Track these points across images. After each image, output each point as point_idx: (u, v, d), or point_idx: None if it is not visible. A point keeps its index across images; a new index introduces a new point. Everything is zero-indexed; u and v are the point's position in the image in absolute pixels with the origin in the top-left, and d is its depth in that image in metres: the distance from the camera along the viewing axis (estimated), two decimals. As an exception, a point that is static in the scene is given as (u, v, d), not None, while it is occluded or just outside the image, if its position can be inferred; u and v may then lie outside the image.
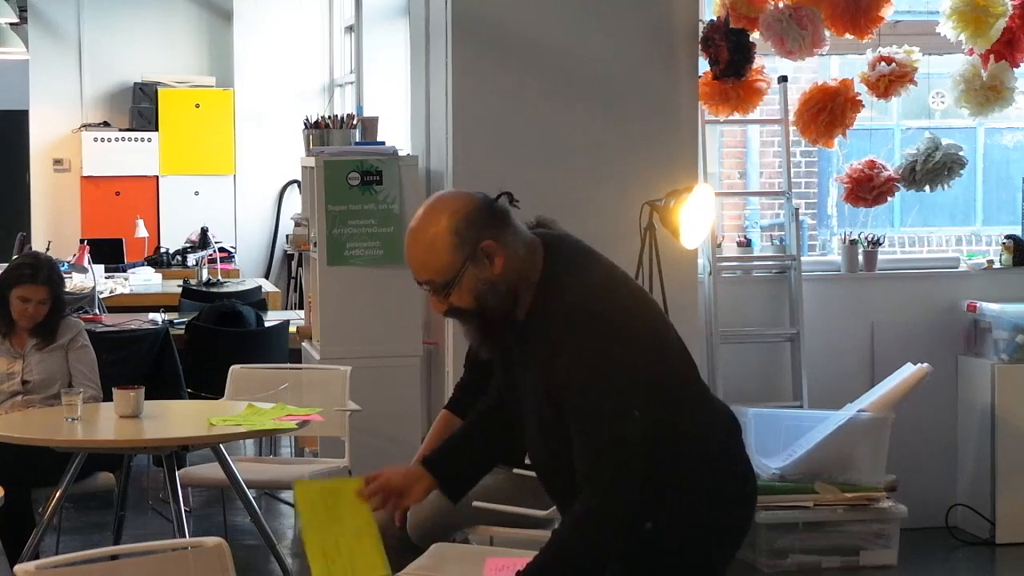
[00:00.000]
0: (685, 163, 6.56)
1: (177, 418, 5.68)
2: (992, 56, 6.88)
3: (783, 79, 7.10)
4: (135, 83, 11.40)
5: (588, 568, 3.08)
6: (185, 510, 5.51)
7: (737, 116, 6.93)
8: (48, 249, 8.77)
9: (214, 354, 7.16)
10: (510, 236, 3.15)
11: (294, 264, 10.91)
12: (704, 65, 6.69)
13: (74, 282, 8.60)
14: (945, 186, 7.08)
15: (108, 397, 5.61)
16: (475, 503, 4.70)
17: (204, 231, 10.31)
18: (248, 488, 5.71)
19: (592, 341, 3.02)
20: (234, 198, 11.45)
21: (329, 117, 7.05)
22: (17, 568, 3.12)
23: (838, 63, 10.55)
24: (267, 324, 7.70)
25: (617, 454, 3.02)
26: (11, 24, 10.67)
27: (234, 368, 6.23)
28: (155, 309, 8.09)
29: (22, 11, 11.42)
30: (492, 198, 3.19)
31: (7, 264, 6.37)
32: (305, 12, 11.19)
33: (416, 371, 6.68)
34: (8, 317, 5.89)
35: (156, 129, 11.28)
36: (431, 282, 3.12)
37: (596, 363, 3.02)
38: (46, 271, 5.93)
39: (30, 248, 8.95)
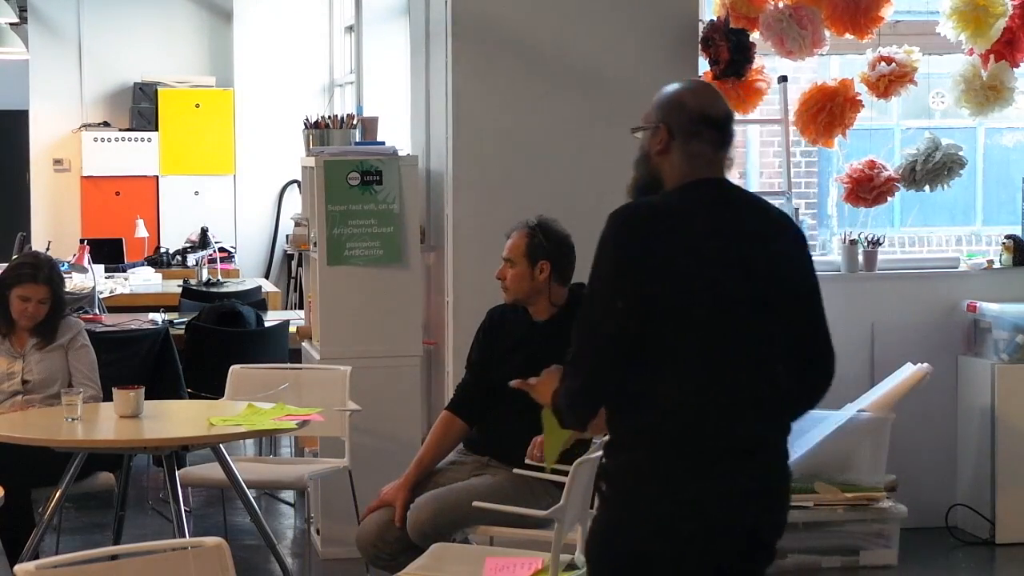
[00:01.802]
0: (685, 163, 6.55)
1: (177, 418, 5.68)
2: (992, 56, 6.88)
3: (783, 79, 7.10)
4: (135, 83, 11.40)
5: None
6: (185, 510, 5.51)
7: (737, 116, 6.92)
8: (48, 249, 8.76)
9: (214, 354, 7.16)
10: (681, 149, 3.39)
11: (294, 264, 10.91)
12: (704, 65, 6.69)
13: (74, 282, 8.60)
14: (945, 186, 7.08)
15: (108, 397, 5.61)
16: (475, 503, 4.70)
17: (204, 231, 10.31)
18: (248, 488, 5.71)
19: (601, 246, 3.34)
20: (234, 198, 11.45)
21: (329, 117, 7.05)
22: (17, 568, 3.12)
23: (838, 63, 10.56)
24: (267, 324, 7.70)
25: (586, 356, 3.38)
26: (11, 24, 10.67)
27: (234, 368, 6.23)
28: (155, 309, 8.09)
29: (22, 11, 11.42)
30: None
31: (7, 264, 6.36)
32: (305, 12, 11.20)
33: (416, 371, 6.68)
34: (8, 317, 5.88)
35: (156, 129, 11.28)
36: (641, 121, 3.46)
37: (600, 267, 3.33)
38: (46, 270, 5.93)
39: (30, 248, 8.95)
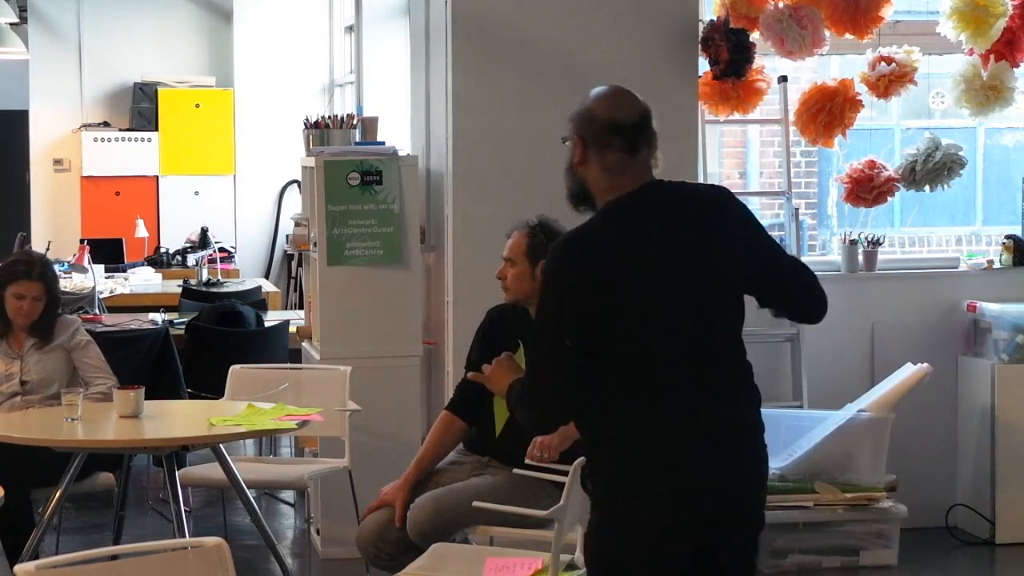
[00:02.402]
0: (685, 163, 6.55)
1: (177, 418, 5.68)
2: (992, 56, 6.88)
3: (783, 79, 7.10)
4: (135, 83, 11.40)
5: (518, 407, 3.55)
6: (185, 510, 5.51)
7: (737, 116, 6.93)
8: (48, 249, 8.77)
9: (214, 354, 7.16)
10: (598, 159, 3.62)
11: (294, 264, 10.91)
12: (704, 65, 6.69)
13: (74, 282, 8.61)
14: (945, 186, 7.08)
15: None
16: (475, 503, 4.70)
17: (204, 231, 10.31)
18: (248, 488, 5.71)
19: (548, 273, 3.53)
20: (234, 198, 11.45)
21: (329, 117, 7.05)
22: (17, 568, 3.12)
23: (838, 63, 10.55)
24: (267, 324, 7.70)
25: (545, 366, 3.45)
26: (11, 24, 10.67)
27: (234, 368, 6.23)
28: (155, 309, 8.09)
29: (22, 11, 11.42)
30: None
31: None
32: (305, 12, 11.19)
33: (416, 371, 6.68)
34: (4, 317, 5.88)
35: (156, 129, 11.28)
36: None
37: (548, 289, 3.50)
38: (40, 267, 5.93)
39: (30, 248, 8.95)
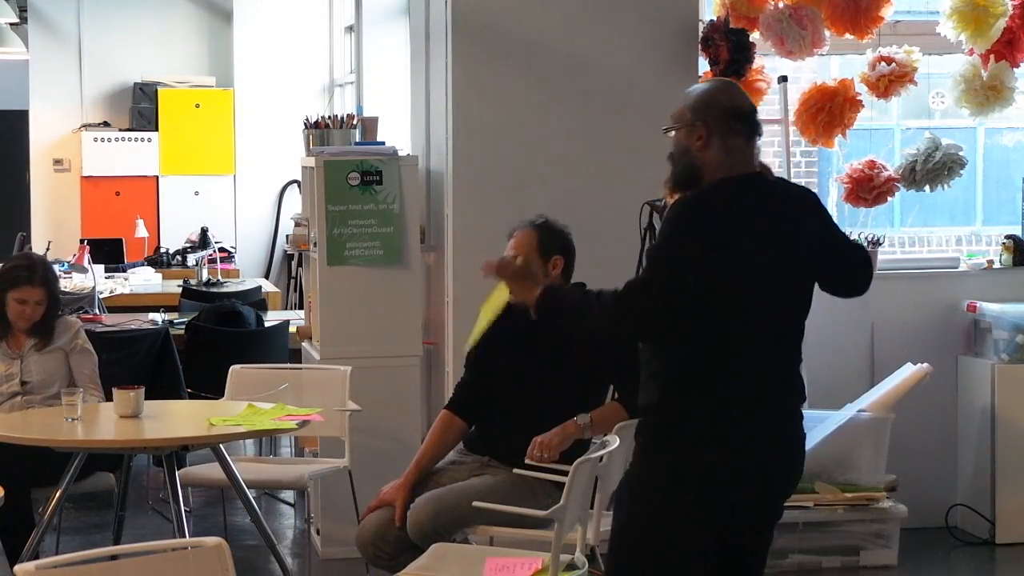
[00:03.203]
0: (685, 163, 6.55)
1: (177, 418, 5.68)
2: (992, 56, 6.88)
3: (783, 79, 7.10)
4: (135, 83, 11.40)
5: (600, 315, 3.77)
6: (185, 510, 5.51)
7: (737, 116, 6.92)
8: (48, 249, 8.77)
9: (214, 354, 7.16)
10: (720, 142, 3.83)
11: (294, 264, 10.90)
12: (704, 65, 6.69)
13: (74, 282, 8.61)
14: (945, 186, 7.08)
15: (108, 397, 5.61)
16: (475, 503, 4.70)
17: (204, 231, 10.31)
18: (248, 488, 5.71)
19: (671, 222, 3.78)
20: (234, 198, 11.45)
21: (329, 117, 7.05)
22: (17, 568, 3.12)
23: (838, 63, 10.56)
24: (267, 324, 7.70)
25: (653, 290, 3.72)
26: (11, 24, 10.66)
27: (234, 368, 6.23)
28: (155, 309, 8.09)
29: (22, 11, 11.41)
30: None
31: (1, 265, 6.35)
32: (305, 12, 11.19)
33: (416, 371, 6.68)
34: (5, 320, 5.88)
35: (156, 129, 11.28)
36: (670, 119, 3.94)
37: (670, 235, 3.78)
38: (41, 272, 5.92)
39: (30, 248, 8.95)
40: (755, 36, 6.71)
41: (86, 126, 11.36)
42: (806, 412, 6.86)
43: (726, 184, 3.81)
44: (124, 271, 9.65)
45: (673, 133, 3.92)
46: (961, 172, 7.07)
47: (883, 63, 6.82)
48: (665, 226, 3.81)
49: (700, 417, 3.77)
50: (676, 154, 3.93)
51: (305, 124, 6.99)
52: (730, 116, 3.84)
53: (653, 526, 3.81)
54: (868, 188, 6.97)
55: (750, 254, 3.75)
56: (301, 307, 8.90)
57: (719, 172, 3.82)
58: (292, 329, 7.58)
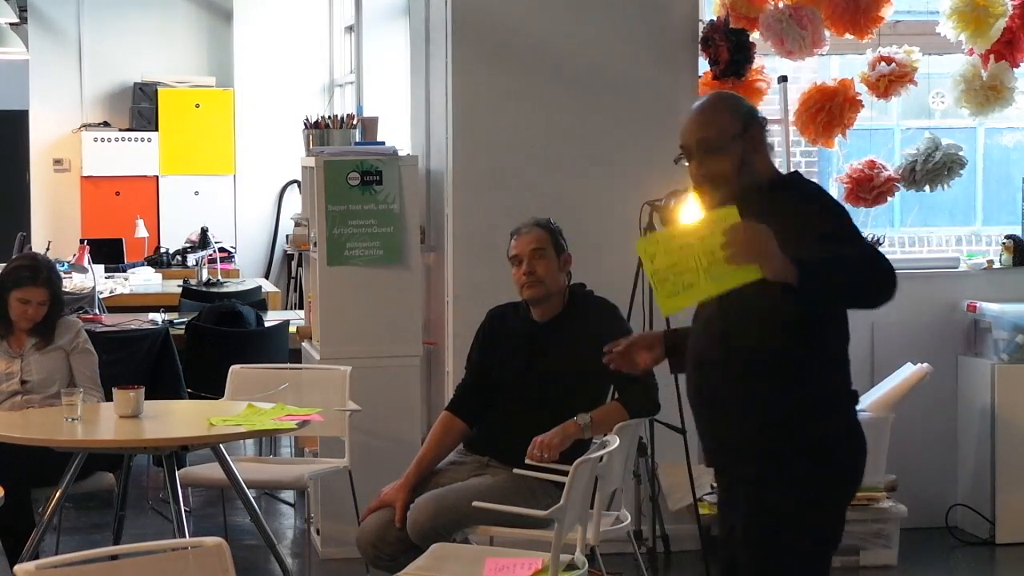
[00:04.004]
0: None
1: (177, 418, 5.68)
2: (992, 56, 6.88)
3: (783, 79, 7.10)
4: (135, 83, 11.40)
5: (853, 282, 3.69)
6: (185, 510, 5.51)
7: (737, 116, 6.92)
8: (48, 249, 8.77)
9: (214, 354, 7.16)
10: (766, 141, 3.81)
11: (294, 264, 10.90)
12: (704, 65, 6.69)
13: (74, 282, 8.60)
14: (945, 186, 7.08)
15: (108, 397, 5.61)
16: (475, 503, 4.70)
17: (204, 231, 10.31)
18: (248, 488, 5.71)
19: (842, 209, 3.79)
20: (234, 198, 11.45)
21: (329, 117, 7.05)
22: (17, 568, 3.12)
23: (838, 63, 10.55)
24: (267, 324, 7.70)
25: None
26: (11, 24, 10.66)
27: (234, 368, 6.23)
28: (155, 309, 8.09)
29: (22, 11, 11.41)
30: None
31: (3, 265, 6.35)
32: (305, 12, 11.19)
33: (416, 371, 6.68)
34: (7, 319, 5.88)
35: (156, 129, 11.28)
36: (704, 140, 3.71)
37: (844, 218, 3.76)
38: (45, 272, 5.92)
39: (30, 248, 8.95)
40: (755, 36, 6.71)
41: (86, 126, 11.36)
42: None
43: (800, 175, 3.90)
44: (124, 271, 9.64)
45: (720, 154, 3.72)
46: (961, 172, 7.07)
47: (883, 63, 6.82)
48: (827, 202, 3.77)
49: (847, 405, 3.84)
50: (732, 171, 3.71)
51: (305, 124, 6.99)
52: (761, 118, 3.83)
53: (816, 526, 3.80)
54: (868, 188, 6.97)
55: None
56: (301, 307, 8.91)
57: (773, 173, 3.80)
58: (292, 329, 7.58)
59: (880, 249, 3.71)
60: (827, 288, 3.59)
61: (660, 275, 3.51)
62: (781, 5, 6.70)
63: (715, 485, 6.42)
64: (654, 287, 3.57)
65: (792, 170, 3.94)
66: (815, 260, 3.48)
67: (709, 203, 3.74)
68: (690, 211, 5.92)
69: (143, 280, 9.34)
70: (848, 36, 6.78)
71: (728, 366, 3.68)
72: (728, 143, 3.70)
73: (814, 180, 3.91)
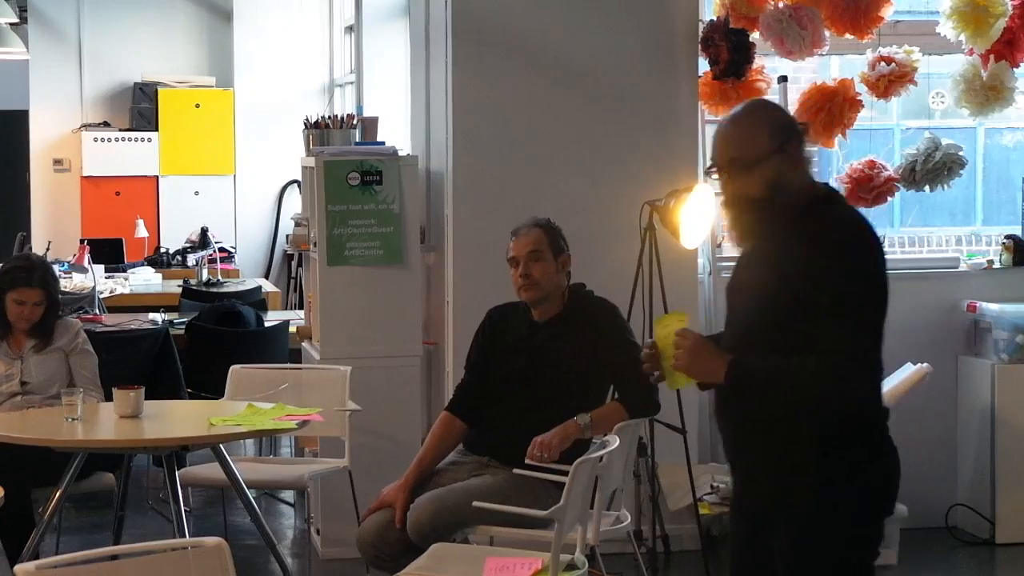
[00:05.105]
0: (685, 163, 6.57)
1: (177, 418, 5.68)
2: (992, 56, 6.88)
3: (783, 79, 7.10)
4: (135, 83, 11.40)
5: (793, 397, 3.41)
6: (185, 510, 5.51)
7: (737, 116, 6.92)
8: (48, 249, 8.77)
9: (214, 354, 7.16)
10: (804, 155, 3.53)
11: (294, 264, 10.90)
12: (704, 65, 6.69)
13: (74, 282, 8.60)
14: (945, 186, 7.08)
15: (108, 397, 5.61)
16: (475, 503, 4.70)
17: (204, 231, 10.31)
18: (248, 488, 5.71)
19: (859, 250, 3.43)
20: (234, 198, 11.45)
21: (329, 117, 7.05)
22: (17, 568, 3.12)
23: (838, 63, 10.55)
24: (267, 324, 7.70)
25: (865, 343, 3.41)
26: (11, 24, 10.66)
27: (234, 368, 6.23)
28: (155, 309, 8.08)
29: (22, 11, 11.41)
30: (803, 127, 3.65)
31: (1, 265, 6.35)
32: (305, 12, 11.19)
33: (416, 371, 6.68)
34: (4, 320, 5.88)
35: (156, 129, 11.28)
36: (737, 159, 3.46)
37: (865, 266, 3.44)
38: (40, 272, 5.92)
39: (30, 248, 8.94)
40: (755, 36, 6.71)
41: (86, 126, 11.36)
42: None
43: (837, 195, 3.59)
44: (124, 271, 9.64)
45: (757, 167, 3.46)
46: (961, 172, 7.07)
47: (883, 63, 6.82)
48: (849, 258, 3.41)
49: (880, 422, 3.68)
50: (768, 188, 3.46)
51: (305, 124, 6.99)
52: (802, 131, 3.57)
53: (856, 551, 3.59)
54: (868, 188, 6.97)
55: None
56: (301, 307, 8.91)
57: (807, 189, 3.52)
58: (292, 329, 7.58)
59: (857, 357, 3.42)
60: (755, 400, 3.46)
61: (666, 352, 3.57)
62: (781, 5, 6.69)
63: (715, 485, 6.44)
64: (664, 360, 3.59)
65: (826, 183, 3.61)
66: (753, 373, 3.40)
67: (738, 224, 3.54)
68: (694, 212, 5.93)
69: (143, 280, 9.34)
70: (848, 36, 6.78)
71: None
72: (762, 161, 3.46)
73: (850, 208, 3.61)
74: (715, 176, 3.56)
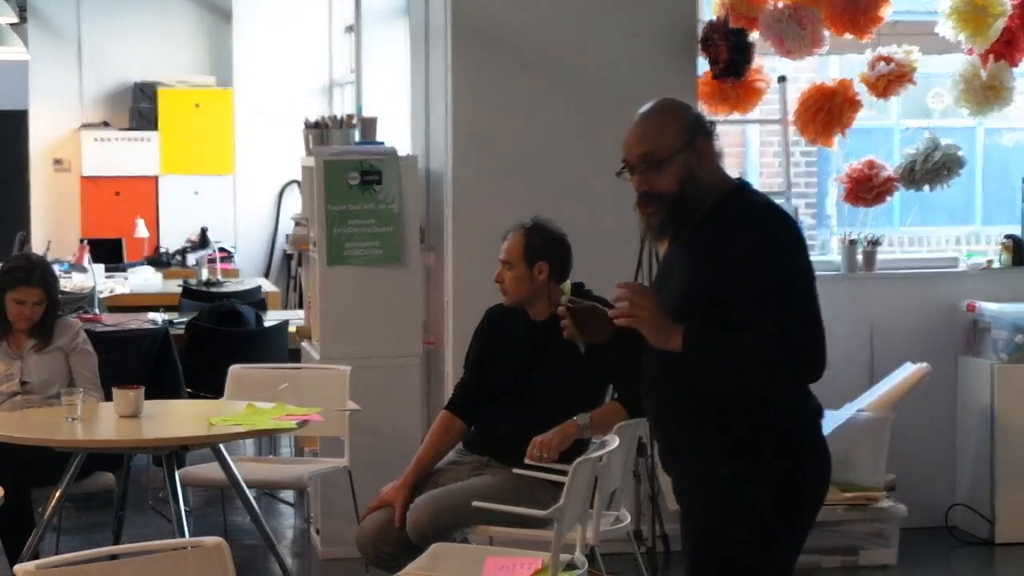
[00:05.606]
0: (685, 163, 6.55)
1: (177, 418, 5.68)
2: (991, 56, 6.88)
3: (782, 79, 7.11)
4: (135, 83, 11.40)
5: (741, 371, 3.40)
6: (185, 510, 5.51)
7: (736, 116, 6.94)
8: (48, 249, 8.77)
9: (214, 354, 7.15)
10: (714, 150, 3.56)
11: (294, 264, 10.91)
12: (704, 65, 6.69)
13: (74, 282, 8.60)
14: (944, 186, 7.09)
15: (108, 397, 5.61)
16: (475, 503, 4.70)
17: (204, 231, 10.31)
18: (248, 488, 5.71)
19: (781, 230, 3.46)
20: (234, 198, 11.45)
21: (329, 117, 7.05)
22: (17, 568, 3.13)
23: (838, 63, 10.54)
24: (267, 324, 7.70)
25: (813, 309, 3.42)
26: (11, 24, 10.66)
27: (234, 368, 6.23)
28: (155, 309, 8.08)
29: (22, 11, 11.41)
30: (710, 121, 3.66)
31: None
32: (305, 12, 11.19)
33: (416, 371, 6.68)
34: (4, 320, 5.89)
35: (156, 129, 11.29)
36: (647, 154, 3.51)
37: (795, 251, 3.45)
38: (39, 272, 5.92)
39: (30, 248, 8.95)
40: (755, 36, 6.71)
41: (86, 126, 11.36)
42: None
43: (749, 186, 3.60)
44: (124, 271, 9.64)
45: (668, 164, 3.50)
46: (960, 172, 7.08)
47: (882, 63, 6.82)
48: (779, 244, 3.43)
49: (810, 421, 3.54)
50: (679, 184, 3.50)
51: (305, 124, 6.99)
52: (708, 123, 3.59)
53: (774, 551, 3.70)
54: (867, 188, 6.98)
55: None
56: (301, 307, 8.91)
57: (718, 184, 3.54)
58: (292, 329, 7.58)
59: (804, 328, 3.39)
60: (711, 366, 3.43)
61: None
62: (781, 5, 6.70)
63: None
64: None
65: (738, 178, 3.60)
66: (708, 341, 3.39)
67: (652, 222, 3.56)
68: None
69: (143, 280, 9.35)
70: (848, 36, 6.78)
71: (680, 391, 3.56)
72: (672, 156, 3.50)
73: (762, 195, 3.61)
74: (626, 175, 3.60)
